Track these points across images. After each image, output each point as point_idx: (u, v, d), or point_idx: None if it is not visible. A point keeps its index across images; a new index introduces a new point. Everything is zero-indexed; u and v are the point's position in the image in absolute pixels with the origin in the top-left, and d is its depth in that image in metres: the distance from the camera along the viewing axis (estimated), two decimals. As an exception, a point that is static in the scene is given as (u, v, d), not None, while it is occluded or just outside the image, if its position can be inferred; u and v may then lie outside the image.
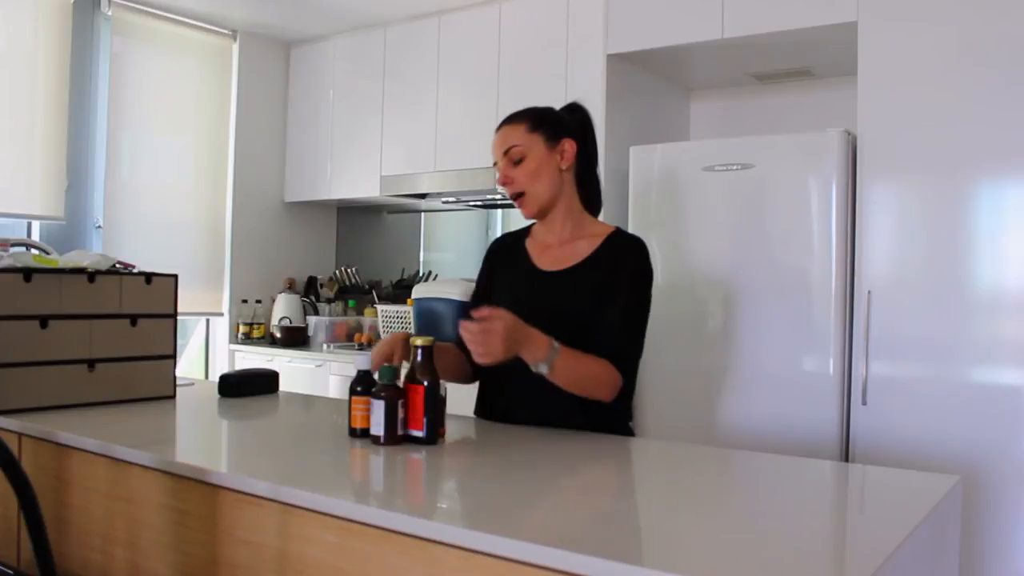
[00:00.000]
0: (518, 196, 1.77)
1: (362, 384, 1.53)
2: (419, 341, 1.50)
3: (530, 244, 1.87)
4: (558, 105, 1.86)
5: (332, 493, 1.17)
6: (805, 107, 3.39)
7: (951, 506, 1.28)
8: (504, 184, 1.77)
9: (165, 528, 1.35)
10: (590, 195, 1.85)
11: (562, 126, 1.78)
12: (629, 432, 1.81)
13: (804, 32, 2.80)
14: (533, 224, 1.90)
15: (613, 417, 1.75)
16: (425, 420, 1.47)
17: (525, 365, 1.59)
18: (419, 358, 1.49)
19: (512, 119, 1.80)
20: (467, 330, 1.49)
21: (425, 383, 1.47)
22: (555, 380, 1.59)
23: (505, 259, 1.90)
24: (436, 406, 1.49)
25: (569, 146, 1.77)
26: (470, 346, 1.50)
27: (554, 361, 1.56)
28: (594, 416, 1.71)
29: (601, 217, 1.90)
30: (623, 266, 1.74)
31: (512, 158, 1.75)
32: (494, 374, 1.78)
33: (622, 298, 1.71)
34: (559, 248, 1.81)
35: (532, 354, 1.55)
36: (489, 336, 1.48)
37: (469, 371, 1.84)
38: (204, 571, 1.29)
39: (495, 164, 1.80)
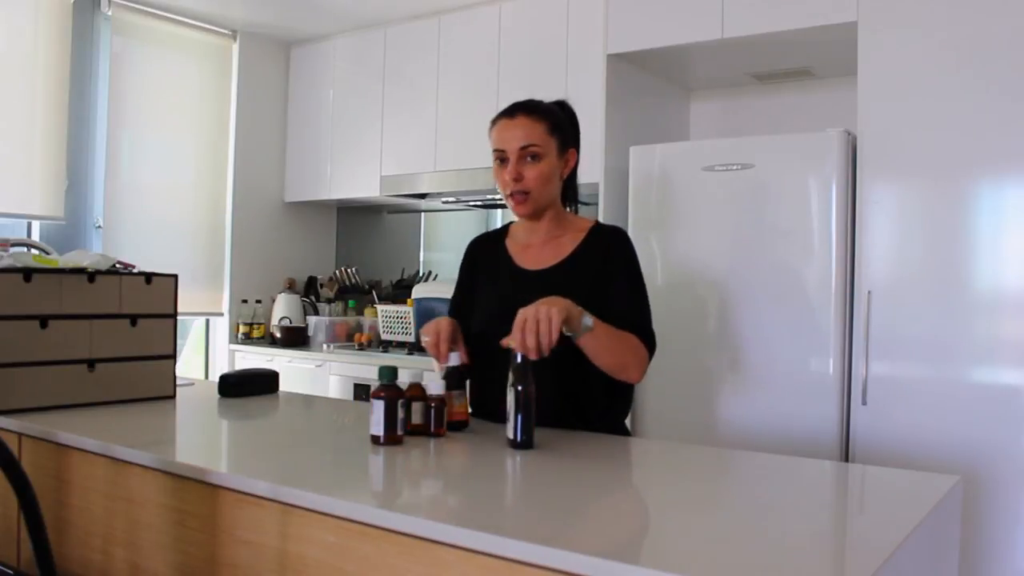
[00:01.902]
0: (520, 193, 1.72)
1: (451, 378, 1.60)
2: (513, 344, 1.47)
3: (510, 245, 1.85)
4: None
5: (332, 493, 1.17)
6: (805, 107, 3.39)
7: (951, 506, 1.28)
8: (514, 178, 1.71)
9: (165, 528, 1.35)
10: (569, 193, 1.85)
11: (568, 134, 1.78)
12: (624, 430, 1.80)
13: (804, 32, 2.79)
14: (511, 224, 1.88)
15: (609, 416, 1.75)
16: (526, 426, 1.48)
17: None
18: (520, 360, 1.46)
19: (531, 112, 1.73)
20: (518, 328, 1.45)
21: (532, 388, 1.46)
22: (595, 342, 1.56)
23: (486, 261, 1.87)
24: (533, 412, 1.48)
25: (572, 156, 1.78)
26: (528, 340, 1.44)
27: (592, 317, 1.53)
28: (588, 415, 1.70)
29: (601, 218, 1.90)
30: (615, 254, 1.75)
31: (528, 155, 1.71)
32: (487, 372, 1.78)
33: (625, 280, 1.72)
34: (540, 247, 1.80)
35: (572, 311, 1.49)
36: (539, 320, 1.44)
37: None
38: (204, 571, 1.29)
39: (497, 151, 1.73)
